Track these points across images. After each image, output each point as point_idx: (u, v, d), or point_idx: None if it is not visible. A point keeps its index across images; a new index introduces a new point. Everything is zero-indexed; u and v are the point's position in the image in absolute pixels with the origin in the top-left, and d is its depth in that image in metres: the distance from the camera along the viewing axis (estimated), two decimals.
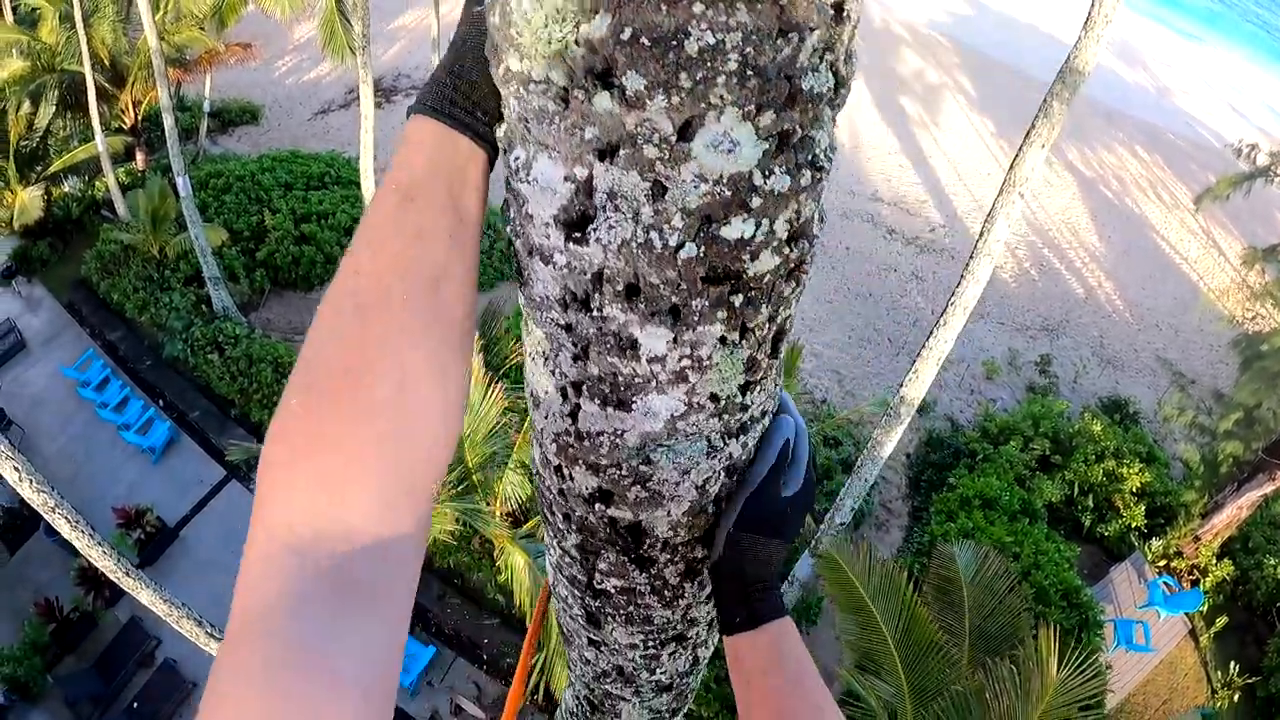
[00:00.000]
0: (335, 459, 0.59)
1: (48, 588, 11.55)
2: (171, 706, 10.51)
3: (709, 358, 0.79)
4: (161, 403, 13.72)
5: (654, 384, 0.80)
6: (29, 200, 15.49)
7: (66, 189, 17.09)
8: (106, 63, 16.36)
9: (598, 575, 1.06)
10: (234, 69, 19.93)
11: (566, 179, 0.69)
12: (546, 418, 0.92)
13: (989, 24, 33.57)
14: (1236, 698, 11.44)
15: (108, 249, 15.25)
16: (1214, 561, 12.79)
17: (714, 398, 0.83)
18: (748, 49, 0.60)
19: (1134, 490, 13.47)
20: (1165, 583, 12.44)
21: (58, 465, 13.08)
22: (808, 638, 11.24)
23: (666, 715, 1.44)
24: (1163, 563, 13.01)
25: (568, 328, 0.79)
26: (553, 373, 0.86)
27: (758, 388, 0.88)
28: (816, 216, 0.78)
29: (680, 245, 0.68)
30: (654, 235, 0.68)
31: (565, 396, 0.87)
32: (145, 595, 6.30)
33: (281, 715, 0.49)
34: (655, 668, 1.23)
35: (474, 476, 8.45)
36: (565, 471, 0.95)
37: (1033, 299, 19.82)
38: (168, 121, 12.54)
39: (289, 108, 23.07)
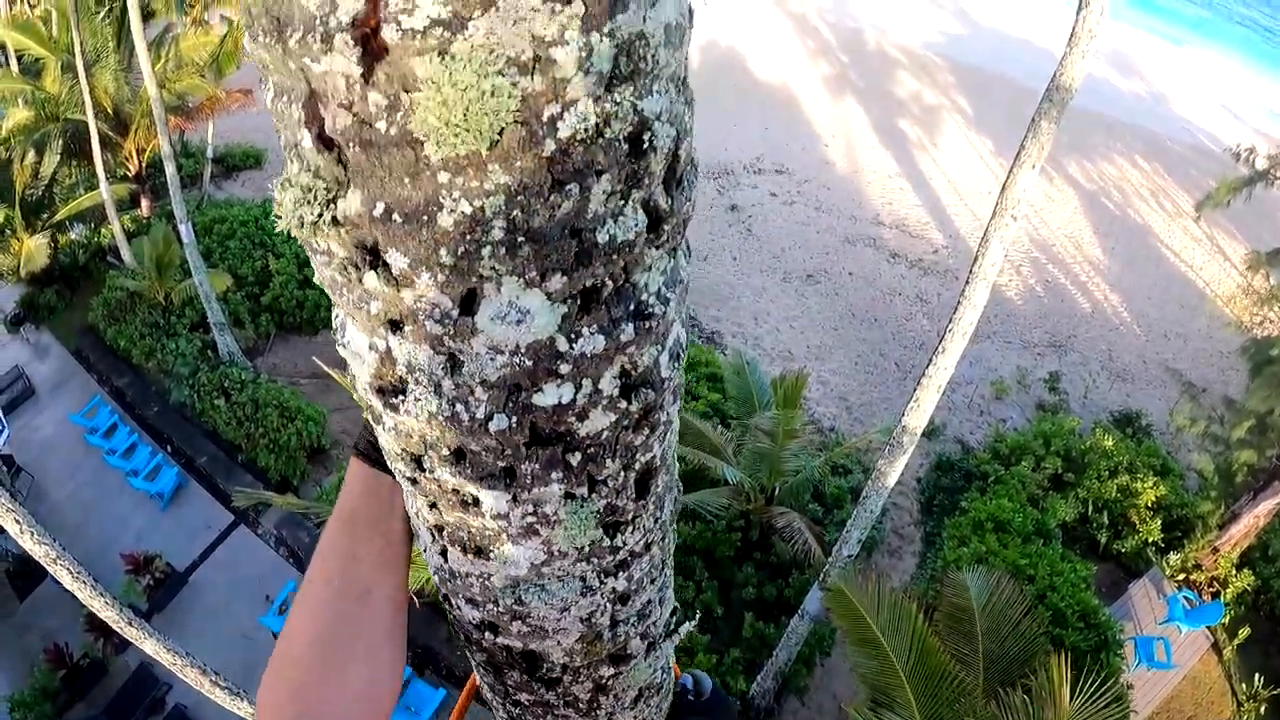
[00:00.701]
0: (299, 711, 0.83)
1: (57, 634, 11.55)
2: None
3: (555, 514, 0.75)
4: (169, 448, 13.76)
5: (505, 536, 0.78)
6: (35, 248, 15.63)
7: (73, 236, 17.27)
8: (110, 111, 16.56)
9: (510, 688, 1.04)
10: (236, 114, 20.15)
11: (370, 347, 0.68)
12: (425, 552, 0.91)
13: (983, 41, 33.68)
14: (1263, 710, 11.22)
15: (114, 295, 15.36)
16: (1234, 572, 12.55)
17: (575, 544, 0.80)
18: (514, 212, 0.54)
19: (1149, 504, 13.28)
20: (1185, 597, 12.26)
21: (67, 511, 13.13)
22: (821, 669, 11.12)
23: None
24: (1181, 576, 12.82)
25: (413, 481, 0.78)
26: (418, 514, 0.85)
27: (629, 528, 0.84)
28: (664, 360, 0.72)
29: (489, 417, 0.65)
30: (460, 408, 0.65)
31: (434, 537, 0.85)
32: (149, 645, 6.25)
33: None
34: None
35: None
36: (452, 603, 0.94)
37: (1039, 316, 19.72)
38: (169, 169, 12.66)
39: None
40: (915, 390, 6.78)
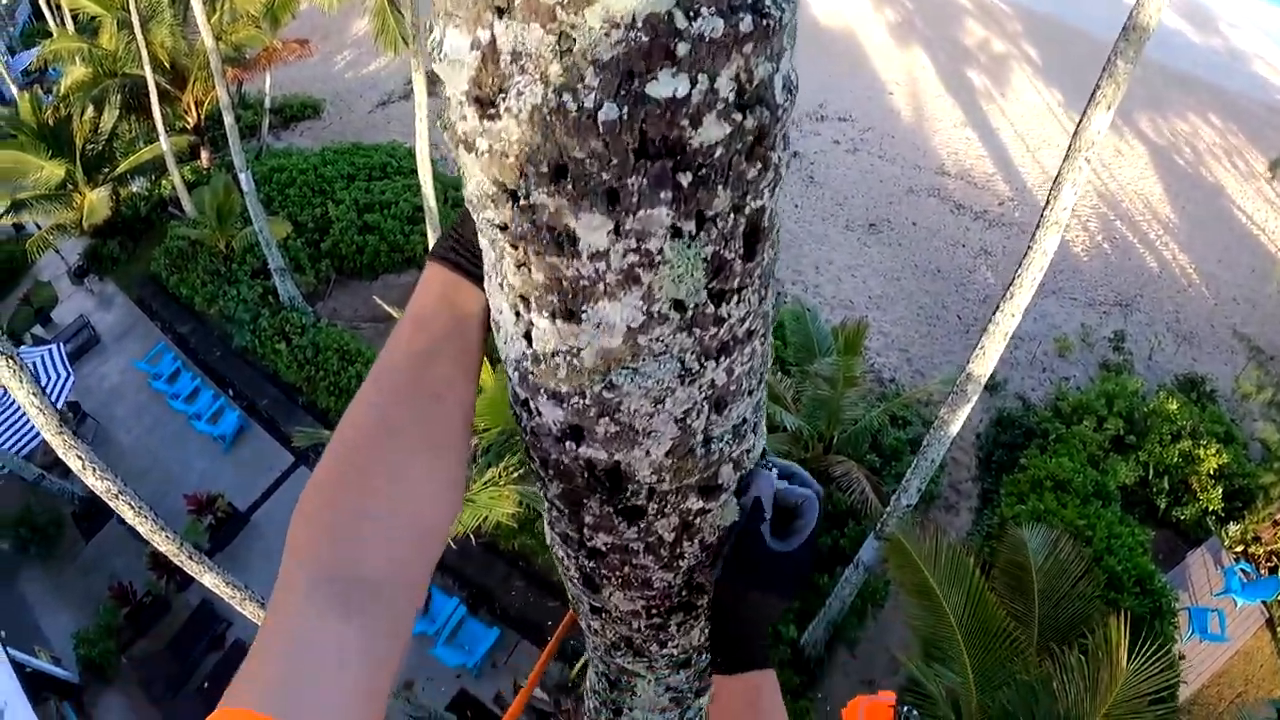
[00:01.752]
0: (352, 515, 0.75)
1: (122, 573, 12.00)
2: None
3: (660, 252, 0.69)
4: (231, 392, 14.10)
5: (602, 287, 0.71)
6: (97, 201, 15.99)
7: (134, 189, 17.63)
8: (167, 65, 16.78)
9: (586, 530, 0.96)
10: (293, 65, 20.27)
11: (472, 46, 0.63)
12: (506, 343, 0.84)
13: None
14: None
15: (175, 245, 15.68)
16: None
17: (678, 305, 0.73)
18: None
19: (1211, 472, 12.95)
20: (1242, 569, 11.96)
21: (133, 456, 13.55)
22: (874, 621, 11.10)
23: (689, 695, 1.35)
24: (1240, 548, 12.50)
25: (503, 227, 0.72)
26: (501, 286, 0.78)
27: (735, 298, 0.77)
28: (778, 84, 0.66)
29: (599, 105, 0.59)
30: (567, 98, 0.60)
31: (518, 314, 0.79)
32: (209, 578, 6.46)
33: (296, 689, 0.63)
34: (665, 640, 1.12)
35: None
36: (532, 405, 0.86)
37: (1105, 273, 19.18)
38: (228, 119, 12.78)
39: (349, 101, 23.42)
40: (981, 338, 6.64)
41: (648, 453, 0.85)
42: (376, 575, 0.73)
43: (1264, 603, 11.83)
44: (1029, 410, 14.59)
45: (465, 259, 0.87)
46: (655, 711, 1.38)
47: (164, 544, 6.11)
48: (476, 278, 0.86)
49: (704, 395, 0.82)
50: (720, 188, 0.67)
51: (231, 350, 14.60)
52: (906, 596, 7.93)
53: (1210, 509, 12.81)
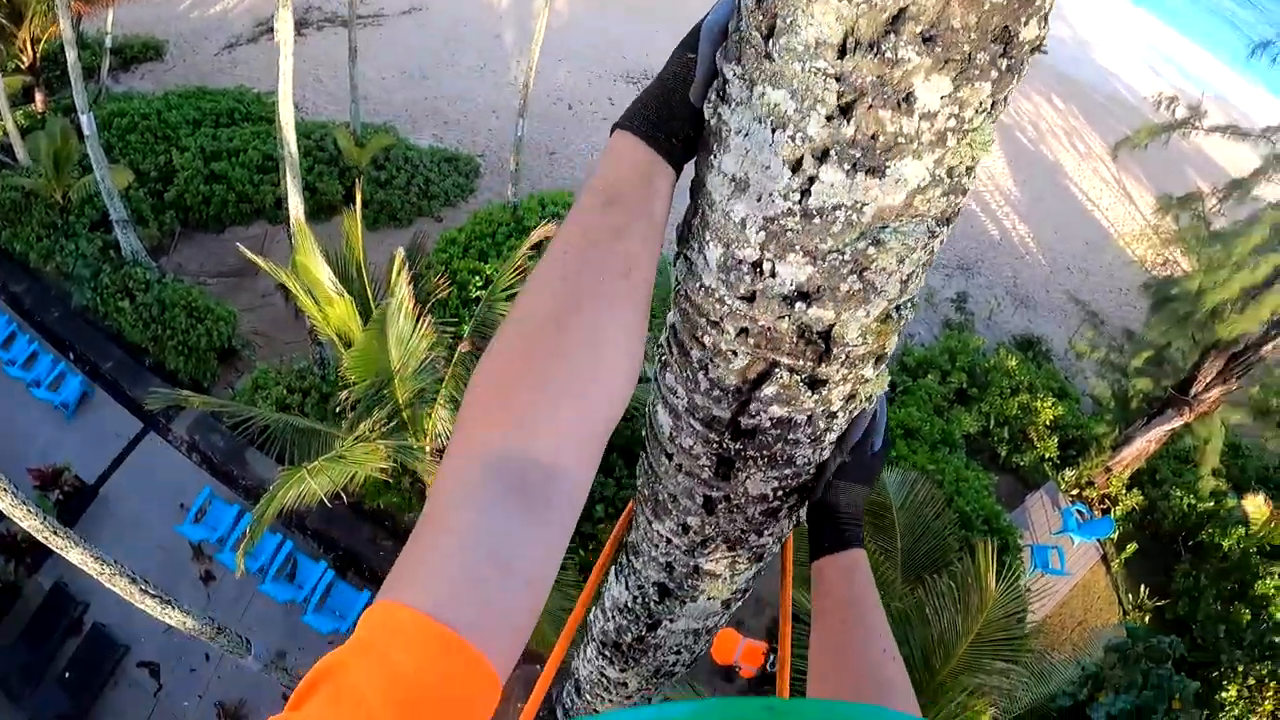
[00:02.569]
0: (534, 394, 0.72)
1: None
2: (105, 672, 10.16)
3: (970, 121, 0.72)
4: (72, 356, 13.09)
5: (914, 146, 0.73)
6: None
7: None
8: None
9: (752, 407, 1.03)
10: (136, 3, 18.82)
11: None
12: (759, 200, 0.84)
13: None
14: (1147, 619, 12.18)
15: (7, 196, 14.30)
16: (1124, 491, 13.53)
17: (951, 171, 0.77)
18: None
19: (1047, 423, 14.10)
20: (1078, 510, 13.06)
21: None
22: None
23: (740, 598, 1.50)
24: (1075, 492, 13.68)
25: (838, 77, 0.71)
26: (792, 138, 0.77)
27: (970, 175, 0.82)
28: None
29: None
30: None
31: (798, 169, 0.78)
32: (75, 554, 6.08)
33: (466, 592, 0.60)
34: (768, 527, 1.27)
35: (404, 413, 8.32)
36: (769, 266, 0.87)
37: (949, 239, 20.18)
38: (70, 55, 11.74)
39: (194, 43, 21.92)
40: None
41: (868, 314, 0.90)
42: (559, 459, 0.70)
43: (1098, 541, 12.99)
44: None
45: (662, 136, 0.89)
46: (702, 619, 1.52)
47: (27, 519, 5.68)
48: (670, 157, 0.89)
49: (925, 260, 0.88)
50: (1017, 77, 0.72)
51: (71, 310, 13.52)
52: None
53: (1047, 456, 13.93)
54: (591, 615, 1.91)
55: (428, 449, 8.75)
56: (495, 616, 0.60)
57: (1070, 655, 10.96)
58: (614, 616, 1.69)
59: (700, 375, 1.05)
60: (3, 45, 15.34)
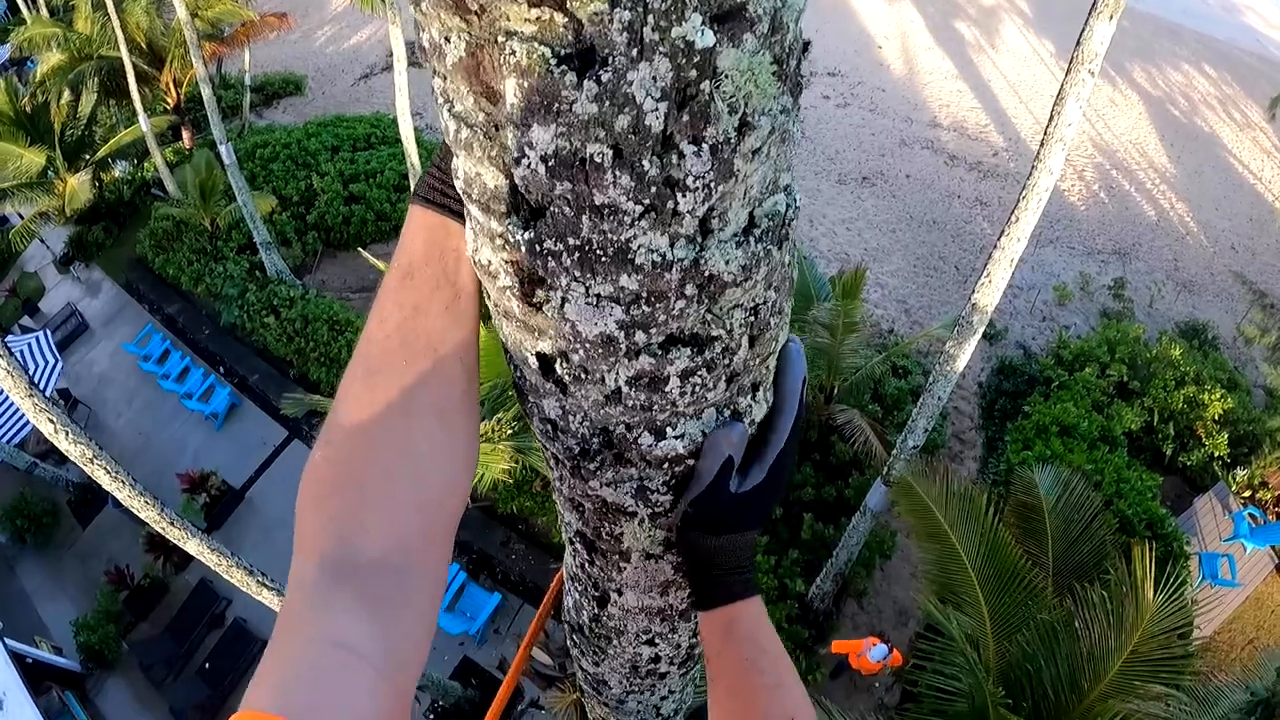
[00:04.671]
0: (353, 498, 0.71)
1: (119, 557, 11.86)
2: (243, 664, 10.66)
3: None
4: (221, 370, 13.90)
5: None
6: (79, 186, 15.75)
7: (116, 173, 17.36)
8: (143, 45, 16.50)
9: None
10: (273, 42, 19.95)
11: None
12: None
13: None
14: None
15: (160, 226, 15.42)
16: None
17: None
18: None
19: (1216, 418, 12.77)
20: (1251, 514, 11.80)
21: (126, 439, 13.38)
22: (881, 573, 10.95)
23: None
24: (1248, 493, 12.33)
25: None
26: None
27: None
28: None
29: None
30: None
31: None
32: (193, 545, 6.28)
33: (312, 685, 0.58)
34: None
35: None
36: None
37: (1102, 222, 18.99)
38: (206, 92, 12.51)
39: (332, 76, 23.12)
40: (986, 264, 6.44)
41: None
42: (386, 556, 0.69)
43: (1273, 548, 11.70)
44: (1030, 359, 14.43)
45: (452, 199, 0.78)
46: (651, 591, 1.16)
47: (145, 510, 5.92)
48: (459, 216, 0.78)
49: None
50: None
51: (220, 328, 14.38)
52: (918, 541, 7.76)
53: (1216, 454, 12.65)
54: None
55: None
56: (336, 709, 0.58)
57: (1239, 678, 9.90)
58: (571, 589, 1.36)
59: None
60: (147, 89, 16.49)
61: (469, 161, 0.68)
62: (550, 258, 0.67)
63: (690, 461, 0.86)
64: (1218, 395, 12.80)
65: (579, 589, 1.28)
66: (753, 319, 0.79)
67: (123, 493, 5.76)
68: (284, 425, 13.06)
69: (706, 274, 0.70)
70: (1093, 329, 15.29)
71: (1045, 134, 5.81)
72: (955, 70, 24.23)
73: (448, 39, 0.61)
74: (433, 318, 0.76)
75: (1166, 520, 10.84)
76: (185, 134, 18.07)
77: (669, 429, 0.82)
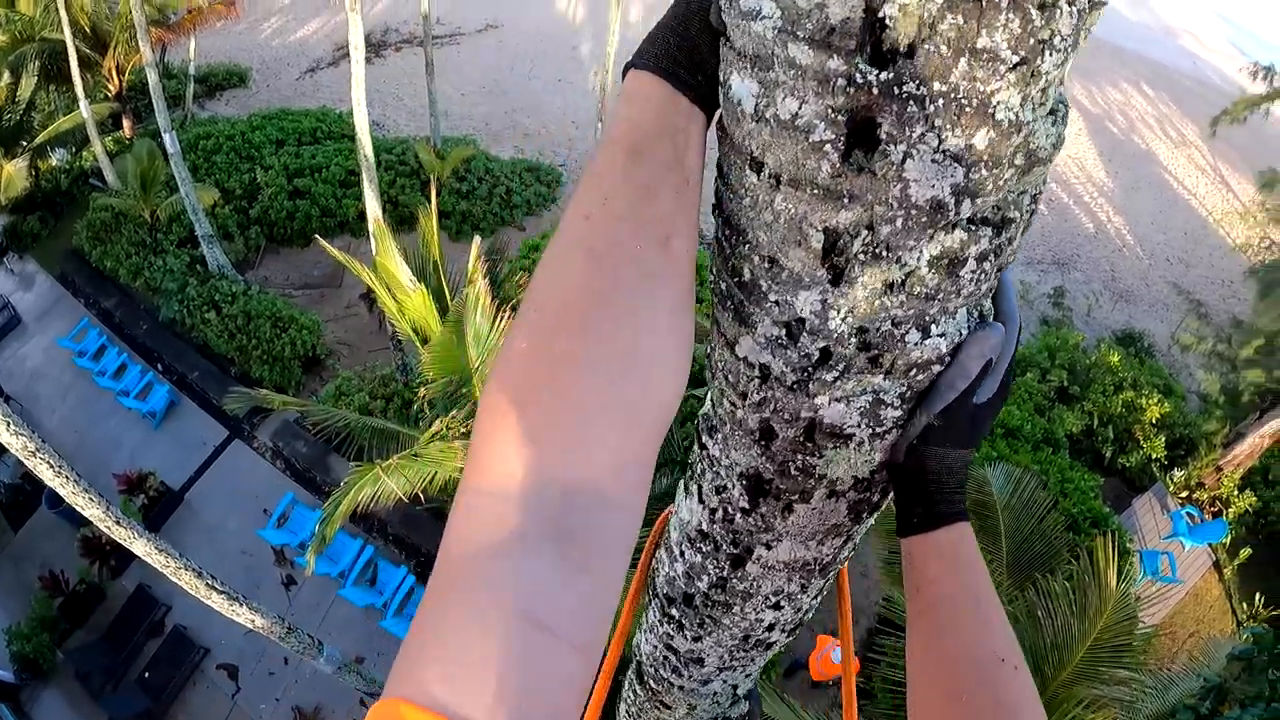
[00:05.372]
0: (564, 407, 0.57)
1: (54, 561, 11.34)
2: (184, 673, 10.29)
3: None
4: (160, 366, 13.46)
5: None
6: (14, 173, 15.14)
7: (54, 161, 16.73)
8: (87, 29, 15.91)
9: None
10: (219, 33, 19.53)
11: None
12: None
13: None
14: (1263, 629, 11.26)
15: (98, 217, 14.90)
16: (1236, 492, 12.57)
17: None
18: None
19: (1154, 421, 13.21)
20: (1189, 513, 12.24)
21: (60, 437, 12.84)
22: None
23: (879, 487, 1.04)
24: (1185, 494, 12.79)
25: None
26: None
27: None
28: None
29: None
30: None
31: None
32: (139, 546, 6.06)
33: (496, 672, 0.46)
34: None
35: None
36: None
37: (1042, 233, 19.53)
38: (152, 78, 12.14)
39: (277, 69, 22.68)
40: None
41: None
42: (600, 489, 0.55)
43: (1210, 545, 12.09)
44: None
45: (684, 72, 0.73)
46: (817, 536, 1.08)
47: (87, 507, 5.69)
48: (697, 95, 0.73)
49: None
50: None
51: (159, 323, 13.92)
52: (877, 543, 7.83)
53: (1154, 456, 13.08)
54: (656, 560, 1.44)
55: None
56: (530, 704, 0.46)
57: (1187, 667, 10.22)
58: (683, 553, 1.22)
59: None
60: (89, 75, 15.98)
61: None
62: (911, 102, 0.60)
63: (936, 368, 0.81)
64: (1155, 400, 13.22)
65: (705, 550, 1.16)
66: (1031, 210, 0.76)
67: (66, 488, 5.52)
68: (225, 425, 12.68)
69: (1032, 149, 0.66)
70: (1033, 336, 15.68)
71: None
72: None
73: None
74: (665, 202, 0.68)
75: (1110, 518, 11.15)
76: (126, 122, 17.50)
77: (933, 326, 0.76)
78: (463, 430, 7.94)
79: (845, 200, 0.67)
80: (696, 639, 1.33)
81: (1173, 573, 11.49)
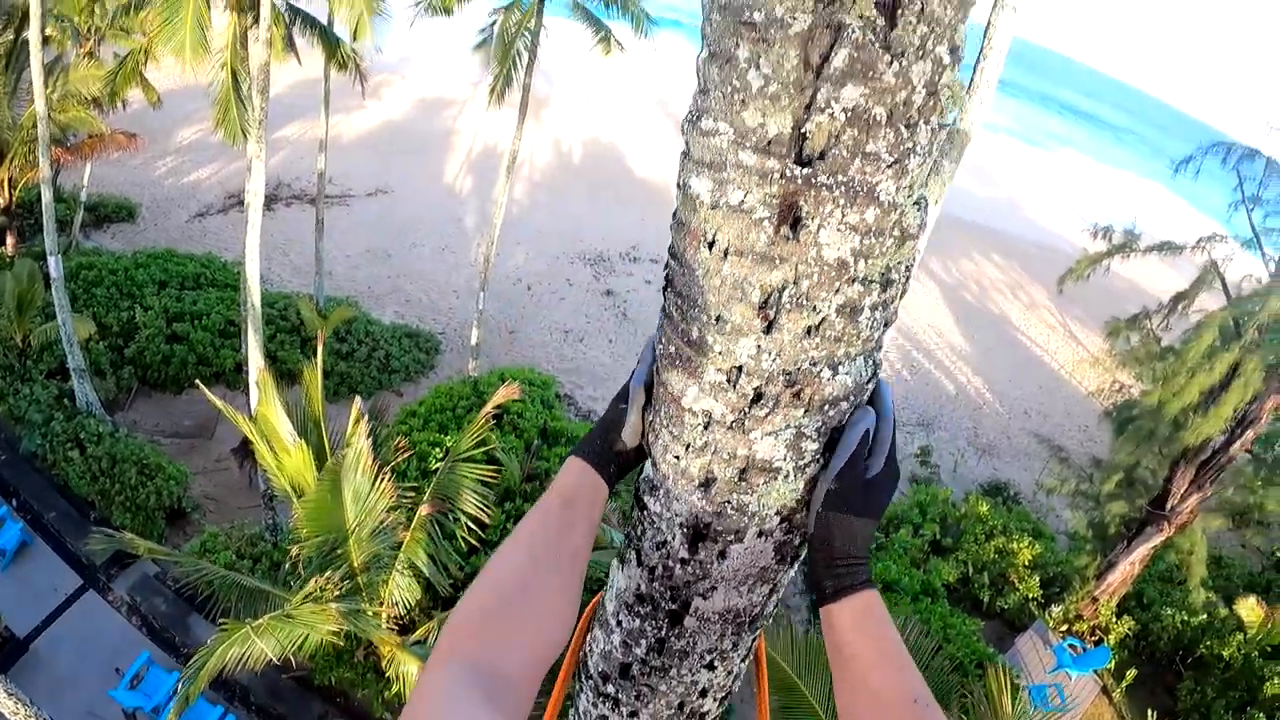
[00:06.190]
0: (504, 630, 0.98)
1: None
2: None
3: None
4: (15, 502, 12.38)
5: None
6: None
7: None
8: None
9: None
10: (113, 164, 19.26)
11: None
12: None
13: None
14: None
15: None
16: (1114, 619, 13.21)
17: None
18: None
19: (1027, 563, 13.92)
20: (1071, 644, 12.69)
21: None
22: None
23: (800, 517, 1.19)
24: (1065, 627, 13.32)
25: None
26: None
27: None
28: None
29: None
30: None
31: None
32: None
33: None
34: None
35: (359, 577, 7.84)
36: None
37: (906, 397, 20.80)
38: (46, 196, 11.80)
39: (167, 209, 22.40)
40: None
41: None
42: (515, 673, 0.94)
43: (1096, 672, 12.55)
44: None
45: (600, 464, 1.19)
46: (748, 580, 1.22)
47: None
48: (607, 478, 1.19)
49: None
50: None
51: (18, 454, 12.91)
52: (766, 693, 7.76)
53: (1031, 596, 13.66)
54: (588, 644, 1.49)
55: (384, 617, 8.24)
56: None
57: None
58: (620, 622, 1.31)
59: None
60: None
61: (751, 115, 0.91)
62: (824, 189, 0.90)
63: (845, 405, 1.04)
64: (1026, 543, 13.97)
65: (643, 612, 1.26)
66: (906, 276, 1.04)
67: None
68: (79, 572, 11.66)
69: (904, 226, 0.96)
70: (903, 494, 16.42)
71: None
72: None
73: (792, 17, 0.85)
74: (578, 534, 1.13)
75: (994, 658, 11.45)
76: (10, 239, 16.74)
77: (840, 366, 1.01)
78: (337, 592, 7.55)
79: (777, 262, 0.95)
80: (633, 713, 1.39)
81: (1062, 700, 11.78)
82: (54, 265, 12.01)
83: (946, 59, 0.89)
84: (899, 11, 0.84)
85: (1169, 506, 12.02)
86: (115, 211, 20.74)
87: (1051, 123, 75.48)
